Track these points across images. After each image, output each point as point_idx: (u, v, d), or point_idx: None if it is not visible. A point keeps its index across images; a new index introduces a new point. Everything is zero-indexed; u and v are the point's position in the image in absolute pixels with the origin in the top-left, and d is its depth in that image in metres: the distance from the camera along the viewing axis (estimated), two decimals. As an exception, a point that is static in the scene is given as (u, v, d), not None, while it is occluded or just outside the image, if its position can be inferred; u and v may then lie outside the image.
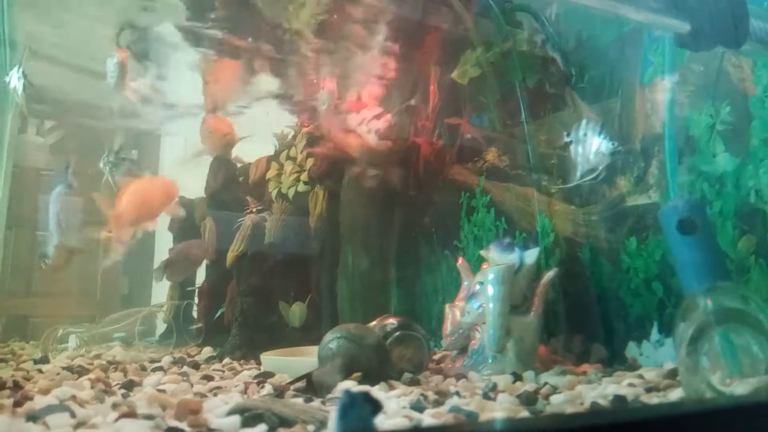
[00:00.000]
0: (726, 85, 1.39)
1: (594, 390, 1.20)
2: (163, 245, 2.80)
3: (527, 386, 1.28)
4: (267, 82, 2.19)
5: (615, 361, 1.52)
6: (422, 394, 1.19)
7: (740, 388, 1.03)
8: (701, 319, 1.10)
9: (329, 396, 1.20)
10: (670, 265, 1.44)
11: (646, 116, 1.55)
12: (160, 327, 2.67)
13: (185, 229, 2.57)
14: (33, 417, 0.93)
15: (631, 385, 1.22)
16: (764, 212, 1.33)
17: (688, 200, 1.27)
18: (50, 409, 0.96)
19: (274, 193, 2.19)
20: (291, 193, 2.14)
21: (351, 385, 1.25)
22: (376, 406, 0.65)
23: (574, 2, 1.06)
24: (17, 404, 1.07)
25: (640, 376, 1.31)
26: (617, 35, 1.65)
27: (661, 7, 1.11)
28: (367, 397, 0.63)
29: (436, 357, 1.73)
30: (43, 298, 3.06)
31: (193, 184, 2.54)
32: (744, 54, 1.33)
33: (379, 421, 0.90)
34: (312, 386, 1.26)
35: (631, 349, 1.55)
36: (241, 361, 1.89)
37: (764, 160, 1.33)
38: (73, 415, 0.95)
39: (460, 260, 1.71)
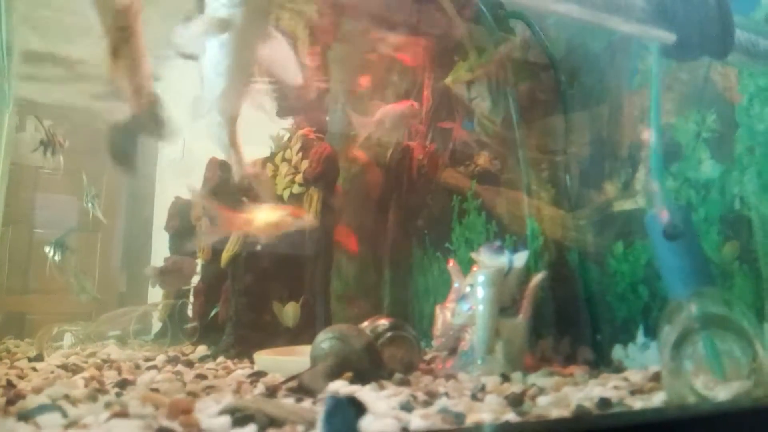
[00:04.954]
0: (712, 93, 1.42)
1: (580, 392, 1.22)
2: (160, 244, 2.81)
3: (514, 387, 1.30)
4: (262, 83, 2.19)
5: (601, 363, 1.55)
6: (412, 395, 1.20)
7: (723, 392, 1.06)
8: (685, 324, 1.13)
9: (320, 396, 1.22)
10: (655, 269, 1.46)
11: (634, 123, 1.58)
12: (156, 325, 2.69)
13: (181, 228, 2.58)
14: (24, 416, 0.94)
15: (616, 387, 1.24)
16: (748, 219, 1.36)
17: (674, 206, 1.29)
18: (42, 409, 0.97)
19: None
20: (286, 194, 2.16)
21: (340, 386, 1.27)
22: (360, 410, 0.67)
23: (563, 13, 1.08)
24: (10, 403, 1.08)
25: (626, 379, 1.34)
26: (607, 43, 1.67)
27: (648, 18, 1.13)
28: (351, 401, 0.66)
29: (426, 357, 1.75)
30: (40, 295, 3.07)
31: (190, 184, 2.55)
32: (730, 64, 1.35)
33: (368, 421, 0.92)
34: (303, 386, 1.28)
35: (617, 352, 1.57)
36: (235, 360, 1.90)
37: (749, 168, 1.36)
38: (64, 414, 0.97)
39: (451, 262, 1.73)
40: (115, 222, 3.19)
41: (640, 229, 1.47)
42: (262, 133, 2.33)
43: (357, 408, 0.65)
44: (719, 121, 1.41)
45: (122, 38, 1.27)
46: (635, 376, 1.35)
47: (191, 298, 2.50)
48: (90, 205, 2.57)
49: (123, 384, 1.36)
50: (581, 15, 1.09)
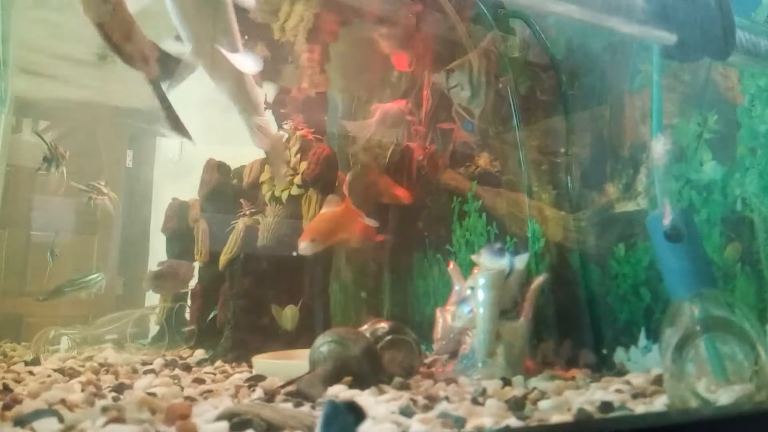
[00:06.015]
0: (713, 94, 1.41)
1: (581, 395, 1.21)
2: (158, 246, 2.80)
3: (516, 391, 1.29)
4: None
5: (603, 367, 1.54)
6: (412, 399, 1.19)
7: (725, 395, 1.05)
8: (687, 326, 1.12)
9: (320, 400, 1.21)
10: (657, 271, 1.45)
11: (635, 124, 1.57)
12: (153, 329, 2.67)
13: (178, 230, 2.57)
14: (20, 422, 0.93)
15: (618, 391, 1.23)
16: (751, 220, 1.35)
17: (676, 207, 1.29)
18: (38, 414, 0.96)
19: (267, 196, 2.20)
20: (284, 196, 2.15)
21: (339, 390, 1.26)
22: (359, 416, 0.66)
23: (563, 13, 1.08)
24: (6, 408, 1.07)
25: (627, 382, 1.33)
26: (607, 43, 1.67)
27: (649, 19, 1.12)
28: (350, 407, 0.64)
29: (427, 361, 1.73)
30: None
31: (187, 185, 2.55)
32: (731, 65, 1.34)
33: (367, 426, 0.90)
34: (300, 392, 1.27)
35: (619, 355, 1.56)
36: (233, 364, 1.89)
37: (751, 169, 1.35)
38: (61, 419, 0.96)
39: (452, 264, 1.72)
40: (112, 224, 3.17)
41: (642, 230, 1.47)
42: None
43: (356, 413, 0.64)
44: (721, 122, 1.40)
45: (107, 9, 1.25)
46: (637, 379, 1.34)
47: (189, 301, 2.48)
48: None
49: (120, 388, 1.35)
50: (581, 16, 1.09)
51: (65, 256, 2.94)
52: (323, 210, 1.94)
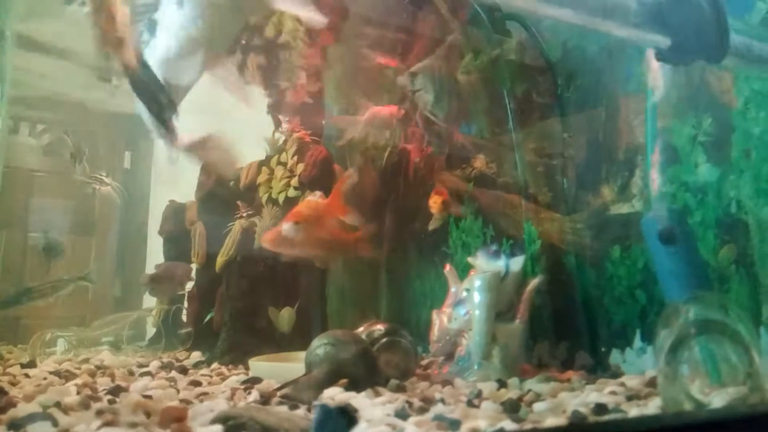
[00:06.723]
0: (708, 96, 1.42)
1: (576, 398, 1.21)
2: (155, 248, 2.80)
3: (511, 393, 1.30)
4: (258, 86, 2.19)
5: (599, 368, 1.54)
6: (407, 401, 1.19)
7: (718, 398, 1.05)
8: (682, 328, 1.12)
9: (315, 403, 1.21)
10: (652, 273, 1.46)
11: (630, 126, 1.58)
12: (150, 331, 2.67)
13: (175, 233, 2.57)
14: (14, 425, 0.93)
15: (612, 393, 1.24)
16: (745, 222, 1.36)
17: (670, 210, 1.29)
18: (32, 418, 0.96)
19: (264, 198, 2.20)
20: (281, 198, 2.15)
21: (335, 392, 1.26)
22: (351, 420, 0.66)
23: (558, 17, 1.08)
24: (1, 411, 1.07)
25: (622, 384, 1.33)
26: (603, 46, 1.68)
27: (643, 22, 1.13)
28: (341, 411, 0.65)
29: (423, 363, 1.74)
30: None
31: (184, 187, 2.54)
32: (725, 67, 1.35)
33: (362, 428, 0.91)
34: (291, 397, 1.27)
35: (615, 356, 1.57)
36: (230, 366, 1.89)
37: (745, 171, 1.36)
38: (55, 423, 0.96)
39: (448, 267, 1.72)
40: (109, 225, 3.17)
41: (637, 232, 1.47)
42: (258, 135, 2.32)
43: (348, 418, 0.64)
44: (715, 124, 1.41)
45: None
46: (632, 381, 1.35)
47: (186, 304, 2.48)
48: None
49: (116, 391, 1.35)
50: (576, 19, 1.09)
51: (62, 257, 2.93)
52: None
